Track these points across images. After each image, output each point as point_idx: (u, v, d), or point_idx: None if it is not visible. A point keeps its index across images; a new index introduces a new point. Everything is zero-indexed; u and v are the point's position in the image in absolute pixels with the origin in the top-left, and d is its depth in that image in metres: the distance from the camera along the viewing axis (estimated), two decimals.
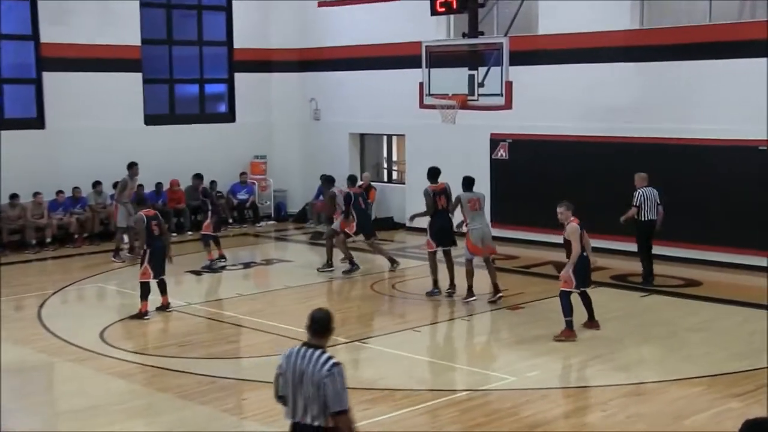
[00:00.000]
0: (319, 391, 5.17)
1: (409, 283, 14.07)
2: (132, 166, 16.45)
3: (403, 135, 19.60)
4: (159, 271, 11.88)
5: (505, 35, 13.82)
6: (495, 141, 17.42)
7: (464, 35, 14.33)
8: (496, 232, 16.97)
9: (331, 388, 5.15)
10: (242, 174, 20.22)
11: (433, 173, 13.16)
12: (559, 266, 14.22)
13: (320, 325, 5.36)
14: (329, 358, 5.23)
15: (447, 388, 9.32)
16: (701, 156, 14.79)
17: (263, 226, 20.12)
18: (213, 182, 19.55)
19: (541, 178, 16.41)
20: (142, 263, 11.80)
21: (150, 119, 19.27)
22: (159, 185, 18.79)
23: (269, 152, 20.94)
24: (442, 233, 12.98)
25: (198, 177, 16.22)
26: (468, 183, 12.75)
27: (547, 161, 16.53)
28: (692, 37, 14.87)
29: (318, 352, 5.26)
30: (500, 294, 12.55)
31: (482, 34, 14.42)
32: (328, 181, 15.49)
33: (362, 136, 20.68)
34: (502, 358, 10.38)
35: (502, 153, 17.34)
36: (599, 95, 15.90)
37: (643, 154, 15.27)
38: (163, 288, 12.03)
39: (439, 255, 13.11)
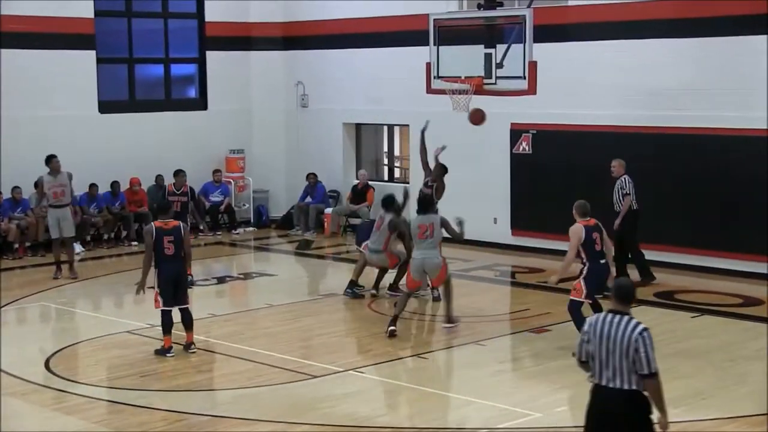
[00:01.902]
0: (629, 356, 6.39)
1: (413, 302, 14.04)
2: (50, 160, 15.50)
3: (406, 125, 19.59)
4: (171, 299, 11.21)
5: (529, 6, 13.84)
6: (516, 132, 17.42)
7: (480, 6, 14.35)
8: (518, 240, 17.06)
9: (643, 351, 6.40)
10: (216, 172, 20.23)
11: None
12: None
13: (626, 293, 6.62)
14: (638, 323, 6.49)
15: (460, 426, 9.30)
16: (759, 149, 14.75)
17: (240, 233, 20.13)
18: None
19: (570, 177, 16.41)
20: (153, 287, 11.35)
21: (105, 106, 19.28)
22: (116, 185, 18.79)
23: (248, 146, 20.96)
24: None
25: (182, 174, 15.70)
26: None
27: (578, 156, 16.52)
28: (756, 8, 14.84)
29: (626, 318, 6.52)
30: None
31: (501, 5, 14.45)
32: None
33: (358, 126, 20.70)
34: (524, 391, 10.36)
35: (524, 146, 17.34)
36: (642, 77, 15.89)
37: (696, 147, 15.28)
38: (187, 321, 11.39)
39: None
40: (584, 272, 11.07)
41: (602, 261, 11.06)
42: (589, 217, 11.14)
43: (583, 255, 11.01)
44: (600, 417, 6.61)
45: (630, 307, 6.62)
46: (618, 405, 6.49)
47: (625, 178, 14.43)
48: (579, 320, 10.95)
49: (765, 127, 14.65)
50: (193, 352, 11.29)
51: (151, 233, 11.20)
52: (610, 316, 6.57)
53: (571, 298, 11.19)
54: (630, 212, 14.36)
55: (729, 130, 15.02)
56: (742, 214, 15.03)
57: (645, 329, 6.50)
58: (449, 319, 12.46)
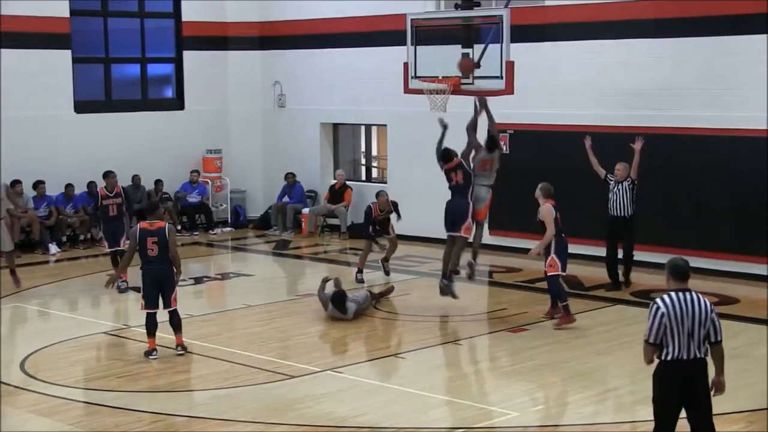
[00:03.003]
0: (705, 326, 7.09)
1: (391, 301, 14.07)
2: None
3: (384, 125, 19.61)
4: (155, 301, 11.12)
5: (506, 6, 13.87)
6: None
7: (457, 6, 14.37)
8: (495, 240, 17.11)
9: (717, 320, 7.16)
10: (193, 172, 20.16)
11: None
12: (570, 280, 14.31)
13: (683, 271, 7.22)
14: (702, 295, 7.20)
15: (437, 425, 9.31)
16: (736, 149, 14.88)
17: (218, 233, 20.08)
18: (158, 181, 19.53)
19: (548, 176, 16.36)
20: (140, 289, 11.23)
21: (81, 106, 19.19)
22: (92, 185, 18.68)
23: (225, 146, 20.90)
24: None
25: (112, 175, 15.26)
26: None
27: (555, 156, 16.57)
28: (733, 8, 14.94)
29: (694, 294, 7.15)
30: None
31: (478, 5, 14.47)
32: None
33: (336, 126, 20.69)
34: (501, 390, 10.39)
35: (501, 146, 17.34)
36: (619, 77, 15.97)
37: (669, 147, 15.37)
38: (174, 323, 11.30)
39: None
40: (553, 247, 12.21)
41: (563, 235, 12.29)
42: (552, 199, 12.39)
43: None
44: (683, 387, 7.13)
45: (688, 283, 7.22)
46: (699, 372, 7.16)
47: (633, 182, 14.29)
48: (560, 292, 12.28)
49: (742, 127, 14.76)
50: (182, 354, 11.23)
51: (135, 235, 11.11)
52: (679, 294, 7.13)
53: (549, 273, 12.33)
54: (629, 216, 14.31)
55: (706, 130, 15.10)
56: (718, 213, 15.12)
57: (711, 303, 7.24)
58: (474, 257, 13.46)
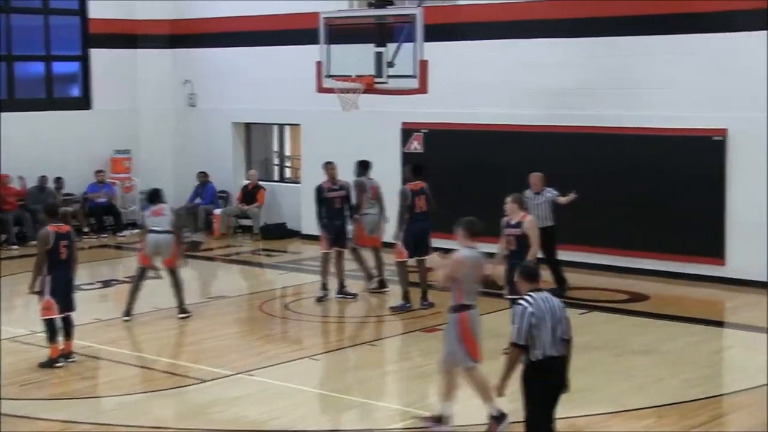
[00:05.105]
0: (561, 325, 7.35)
1: (305, 303, 14.02)
2: None
3: (297, 125, 19.56)
4: (65, 305, 10.97)
5: (419, 5, 13.95)
6: (407, 131, 17.53)
7: (370, 5, 14.43)
8: None
9: (568, 319, 7.46)
10: (98, 172, 19.81)
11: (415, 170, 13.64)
12: (485, 280, 14.39)
13: (537, 272, 7.61)
14: (554, 297, 7.55)
15: (351, 427, 9.30)
16: (648, 148, 15.19)
17: (126, 235, 19.77)
18: (58, 179, 19.18)
19: (462, 175, 16.58)
20: (41, 294, 10.93)
21: None
22: None
23: (134, 146, 20.63)
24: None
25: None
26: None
27: (469, 155, 16.70)
28: (645, 9, 15.22)
29: (548, 293, 7.50)
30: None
31: (391, 3, 14.54)
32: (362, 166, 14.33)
33: (248, 126, 20.56)
34: (416, 391, 10.42)
35: (415, 145, 17.45)
36: (533, 77, 16.15)
37: (583, 146, 15.62)
38: (68, 329, 11.11)
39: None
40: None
41: None
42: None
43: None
44: (556, 386, 7.45)
45: (539, 283, 7.57)
46: (565, 369, 7.47)
47: (551, 192, 13.85)
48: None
49: (652, 126, 15.07)
50: (74, 361, 11.02)
51: (48, 237, 10.86)
52: (540, 294, 7.42)
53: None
54: (550, 227, 13.74)
55: (618, 129, 15.37)
56: (629, 210, 15.39)
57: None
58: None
